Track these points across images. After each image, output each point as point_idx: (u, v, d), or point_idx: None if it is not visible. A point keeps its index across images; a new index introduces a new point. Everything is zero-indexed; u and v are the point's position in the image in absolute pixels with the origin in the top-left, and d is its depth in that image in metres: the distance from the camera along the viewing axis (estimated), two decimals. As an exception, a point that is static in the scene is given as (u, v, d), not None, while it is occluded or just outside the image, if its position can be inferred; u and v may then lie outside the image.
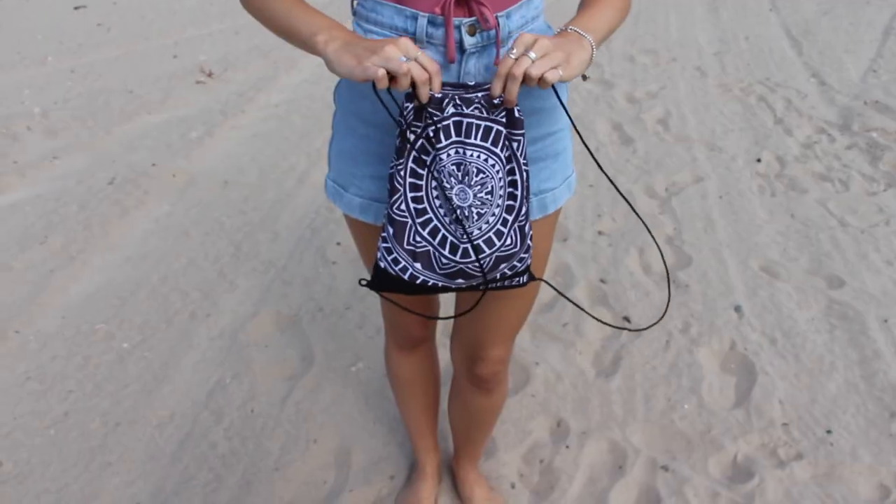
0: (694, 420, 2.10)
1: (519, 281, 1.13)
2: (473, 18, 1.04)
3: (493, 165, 1.03)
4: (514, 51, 0.95)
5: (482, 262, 1.04)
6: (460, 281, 1.07)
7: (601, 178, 3.44)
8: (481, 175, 1.03)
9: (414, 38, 1.06)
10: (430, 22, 1.04)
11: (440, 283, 1.08)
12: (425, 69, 0.95)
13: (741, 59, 5.15)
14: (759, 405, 2.14)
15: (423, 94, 0.96)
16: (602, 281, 2.71)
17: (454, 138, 1.01)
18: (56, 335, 2.46)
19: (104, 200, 3.27)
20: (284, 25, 1.08)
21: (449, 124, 1.00)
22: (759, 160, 3.65)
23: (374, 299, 2.61)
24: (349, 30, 1.06)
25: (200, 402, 2.18)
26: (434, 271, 1.06)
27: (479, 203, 1.03)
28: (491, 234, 1.04)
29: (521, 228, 1.07)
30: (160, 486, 1.92)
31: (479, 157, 1.02)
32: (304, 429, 2.10)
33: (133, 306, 2.59)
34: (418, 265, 1.06)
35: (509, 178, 1.05)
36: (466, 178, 1.02)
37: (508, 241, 1.06)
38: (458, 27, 1.04)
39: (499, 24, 1.05)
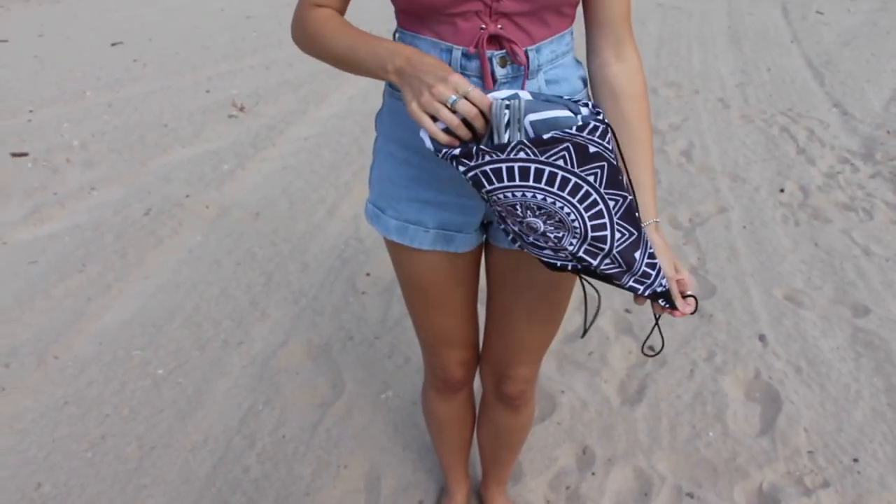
0: (719, 448, 2.12)
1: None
2: (504, 51, 1.10)
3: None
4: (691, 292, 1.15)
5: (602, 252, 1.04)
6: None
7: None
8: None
9: None
10: (464, 55, 1.10)
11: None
12: (474, 104, 0.97)
13: (763, 91, 5.18)
14: (784, 433, 2.15)
15: (462, 134, 0.98)
16: (627, 311, 2.74)
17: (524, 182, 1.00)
18: (93, 361, 2.53)
19: (140, 230, 3.37)
20: (348, 62, 1.13)
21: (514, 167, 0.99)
22: (782, 190, 3.67)
23: (402, 330, 2.66)
24: (406, 49, 1.06)
25: (233, 428, 2.24)
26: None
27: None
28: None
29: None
30: (195, 509, 1.97)
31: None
32: (334, 454, 2.14)
33: (167, 333, 2.66)
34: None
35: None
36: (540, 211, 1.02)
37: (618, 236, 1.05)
38: (490, 59, 1.10)
39: (528, 58, 1.11)
